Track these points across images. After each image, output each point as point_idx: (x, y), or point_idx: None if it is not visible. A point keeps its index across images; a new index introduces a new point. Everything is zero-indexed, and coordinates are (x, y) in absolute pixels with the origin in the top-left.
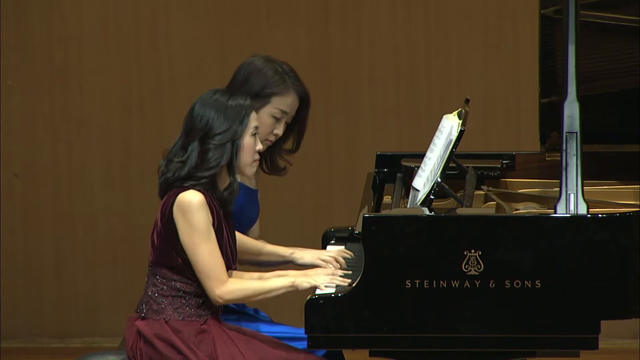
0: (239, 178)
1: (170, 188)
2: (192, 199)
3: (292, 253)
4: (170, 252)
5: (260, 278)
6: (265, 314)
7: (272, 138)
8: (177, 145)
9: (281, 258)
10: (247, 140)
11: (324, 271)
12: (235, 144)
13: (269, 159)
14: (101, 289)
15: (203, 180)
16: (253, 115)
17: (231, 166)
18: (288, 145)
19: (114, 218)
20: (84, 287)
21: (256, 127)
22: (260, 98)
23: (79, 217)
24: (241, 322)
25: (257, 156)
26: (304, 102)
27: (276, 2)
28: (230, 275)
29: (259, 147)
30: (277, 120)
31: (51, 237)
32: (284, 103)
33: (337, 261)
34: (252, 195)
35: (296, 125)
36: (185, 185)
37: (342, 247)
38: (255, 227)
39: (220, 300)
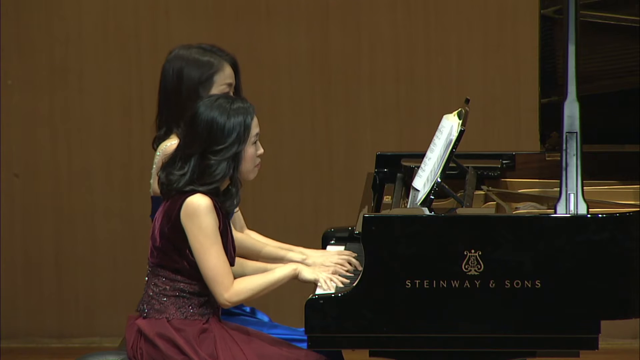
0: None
1: (171, 194)
2: (200, 203)
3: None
4: (174, 256)
5: (265, 270)
6: (263, 314)
7: None
8: (177, 155)
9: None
10: (249, 150)
11: (330, 261)
12: (237, 157)
13: None
14: (101, 289)
15: (206, 188)
16: (254, 122)
17: (234, 177)
18: None
19: (114, 218)
20: (84, 287)
21: (257, 134)
22: (205, 84)
23: (79, 217)
24: (241, 324)
25: (257, 161)
26: (235, 69)
27: (276, 2)
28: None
29: (261, 151)
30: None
31: (51, 237)
32: (226, 76)
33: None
34: None
35: (233, 95)
36: (189, 190)
37: (342, 248)
38: (237, 217)
39: (228, 304)
